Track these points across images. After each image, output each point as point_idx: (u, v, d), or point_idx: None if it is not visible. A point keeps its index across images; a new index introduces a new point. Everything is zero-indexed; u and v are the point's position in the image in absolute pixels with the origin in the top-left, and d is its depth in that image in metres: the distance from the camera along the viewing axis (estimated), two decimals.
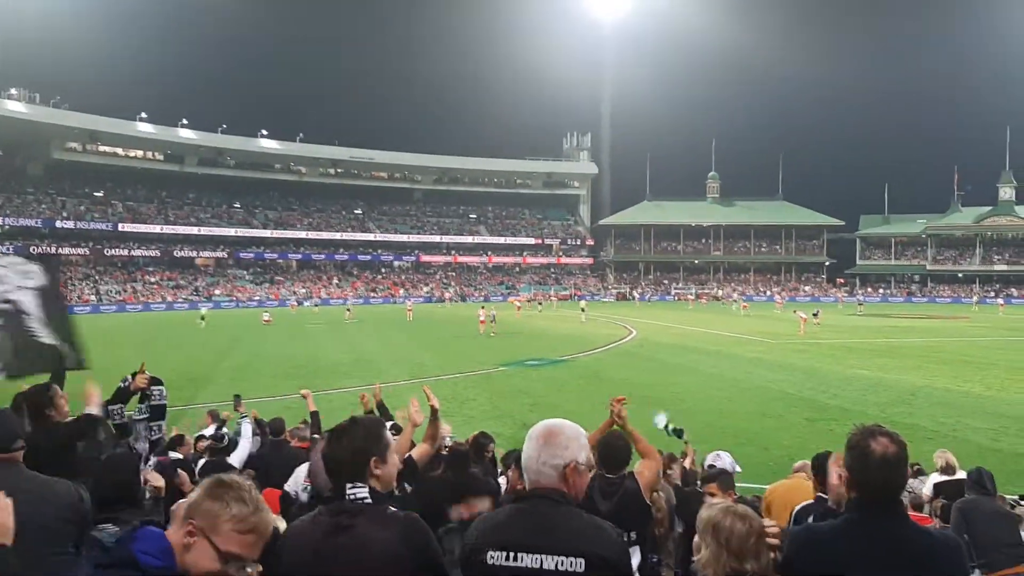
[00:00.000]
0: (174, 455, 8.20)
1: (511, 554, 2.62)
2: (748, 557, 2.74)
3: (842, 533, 2.81)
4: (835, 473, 3.89)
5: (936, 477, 8.87)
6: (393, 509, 2.78)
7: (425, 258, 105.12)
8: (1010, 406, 20.08)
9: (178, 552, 2.19)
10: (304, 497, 5.63)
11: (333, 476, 2.83)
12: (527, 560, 2.59)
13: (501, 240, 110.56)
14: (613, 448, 4.75)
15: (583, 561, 2.56)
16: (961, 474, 8.34)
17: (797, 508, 4.92)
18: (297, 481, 5.89)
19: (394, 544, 2.62)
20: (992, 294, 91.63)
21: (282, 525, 5.15)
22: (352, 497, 2.72)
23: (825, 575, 2.71)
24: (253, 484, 2.36)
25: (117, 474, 4.12)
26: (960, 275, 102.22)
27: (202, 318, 54.49)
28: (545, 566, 2.57)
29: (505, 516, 2.78)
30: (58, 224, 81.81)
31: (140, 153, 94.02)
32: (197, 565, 2.17)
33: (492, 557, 2.64)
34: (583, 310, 61.87)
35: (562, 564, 2.56)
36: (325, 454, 2.89)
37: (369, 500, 2.73)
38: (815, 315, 50.73)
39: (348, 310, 64.27)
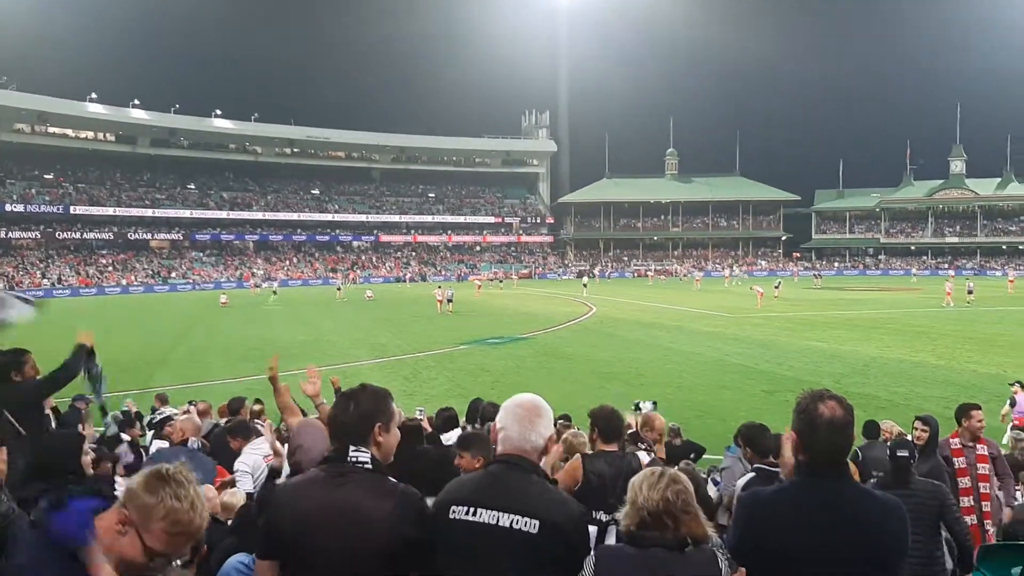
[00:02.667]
0: (124, 437, 8.14)
1: (471, 509, 2.71)
2: (651, 495, 2.75)
3: (788, 497, 2.85)
4: (787, 448, 3.95)
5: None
6: (392, 480, 2.82)
7: (385, 238, 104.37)
8: (960, 375, 20.55)
9: (108, 535, 2.19)
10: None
11: (337, 438, 2.87)
12: (485, 516, 2.69)
13: (461, 219, 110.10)
14: (608, 420, 4.84)
15: (538, 523, 2.64)
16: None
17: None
18: (246, 462, 5.85)
19: (391, 514, 2.66)
20: (945, 266, 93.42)
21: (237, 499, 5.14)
22: (354, 460, 2.76)
23: (772, 539, 2.75)
24: (194, 479, 2.34)
25: (57, 452, 4.12)
26: (913, 248, 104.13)
27: (274, 292, 60.50)
28: (501, 523, 2.66)
29: (474, 477, 2.89)
30: (7, 208, 79.90)
31: (91, 134, 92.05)
32: (124, 554, 2.19)
33: (454, 512, 2.73)
34: (584, 285, 64.06)
35: (517, 523, 2.65)
36: (332, 416, 2.93)
37: (370, 465, 2.76)
38: (776, 287, 51.75)
39: (339, 289, 64.74)
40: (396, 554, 2.63)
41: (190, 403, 12.84)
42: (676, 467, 5.04)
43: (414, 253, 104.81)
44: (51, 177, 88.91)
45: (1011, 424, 13.42)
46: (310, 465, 3.99)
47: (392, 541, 2.62)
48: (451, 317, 41.05)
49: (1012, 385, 14.57)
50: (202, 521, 2.26)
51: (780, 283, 56.15)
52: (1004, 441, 12.32)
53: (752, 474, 5.18)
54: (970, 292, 45.69)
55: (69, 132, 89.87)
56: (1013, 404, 14.01)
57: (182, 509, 2.19)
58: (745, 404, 17.11)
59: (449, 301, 44.88)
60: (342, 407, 2.88)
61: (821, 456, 2.77)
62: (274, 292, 60.67)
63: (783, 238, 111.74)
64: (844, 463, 2.84)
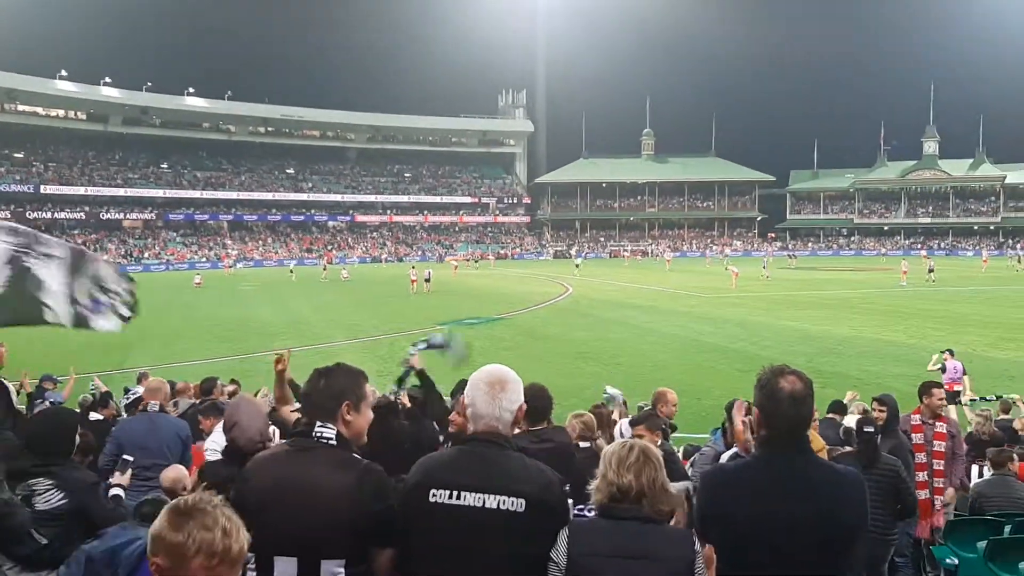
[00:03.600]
0: (95, 416, 8.09)
1: (454, 493, 2.66)
2: (624, 474, 2.76)
3: (751, 470, 2.90)
4: (738, 419, 4.02)
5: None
6: (356, 455, 2.81)
7: (360, 218, 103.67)
8: (930, 354, 20.70)
9: None
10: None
11: (306, 413, 2.89)
12: (470, 499, 2.64)
13: (437, 199, 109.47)
14: (537, 399, 4.78)
15: (524, 502, 2.63)
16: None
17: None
18: (217, 441, 5.81)
19: (352, 488, 2.66)
20: (918, 246, 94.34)
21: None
22: (319, 436, 2.77)
23: (734, 512, 2.78)
24: (218, 503, 2.19)
25: (54, 427, 4.16)
26: (886, 228, 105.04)
27: (291, 271, 62.54)
28: (487, 505, 2.63)
29: (449, 457, 2.83)
30: None
31: (61, 112, 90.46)
32: None
33: (435, 495, 2.67)
34: (577, 266, 65.76)
35: (504, 503, 2.63)
36: (304, 391, 2.94)
37: (334, 442, 2.77)
38: (764, 267, 52.87)
39: (324, 268, 65.09)
40: (358, 529, 2.64)
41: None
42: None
43: (390, 233, 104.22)
44: (21, 156, 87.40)
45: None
46: (247, 444, 4.02)
47: (354, 516, 2.63)
48: (428, 297, 41.01)
49: (943, 353, 15.61)
50: (240, 543, 2.11)
51: (766, 263, 56.92)
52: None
53: (734, 450, 5.22)
54: (930, 271, 46.97)
55: (39, 110, 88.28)
56: (943, 370, 15.00)
57: (215, 539, 2.05)
58: (720, 383, 17.24)
59: (427, 280, 45.07)
60: (313, 382, 2.89)
61: (782, 430, 2.81)
62: (291, 271, 62.66)
63: (758, 218, 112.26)
64: (804, 436, 2.88)
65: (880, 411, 7.22)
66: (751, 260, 68.85)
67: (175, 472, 5.52)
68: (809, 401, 2.82)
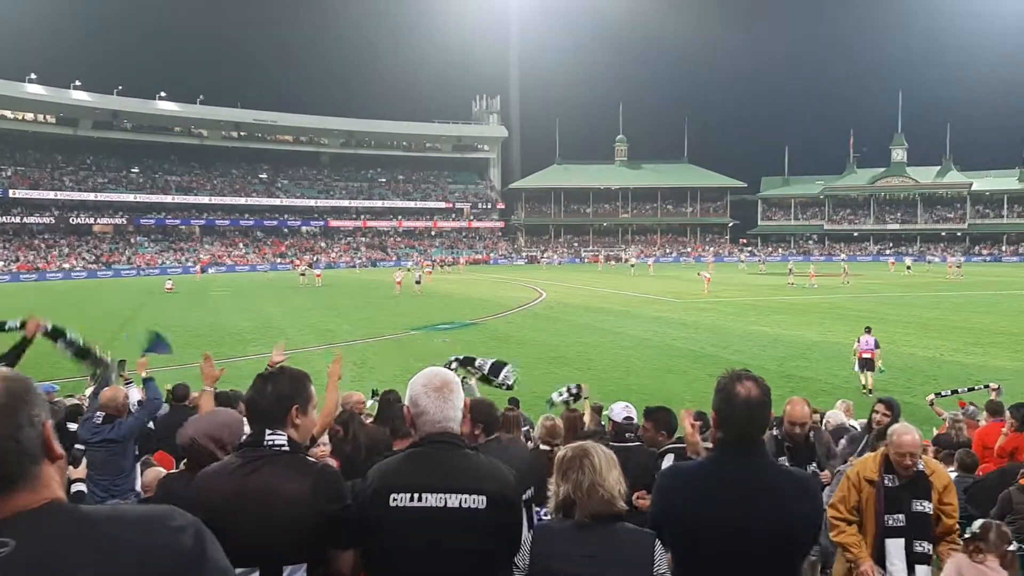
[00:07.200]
0: (73, 426, 8.02)
1: (415, 495, 2.69)
2: (559, 479, 2.90)
3: (706, 471, 3.00)
4: (687, 424, 4.11)
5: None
6: (310, 459, 2.81)
7: (334, 223, 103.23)
8: (898, 358, 21.13)
9: None
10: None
11: (254, 421, 2.85)
12: (432, 500, 2.68)
13: (411, 204, 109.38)
14: (486, 415, 4.87)
15: (484, 499, 2.68)
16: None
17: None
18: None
19: (309, 492, 2.64)
20: (887, 252, 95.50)
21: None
22: (270, 444, 2.74)
23: (688, 512, 2.88)
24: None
25: None
26: (855, 234, 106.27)
27: (302, 274, 60.39)
28: (449, 504, 2.67)
29: (406, 460, 2.82)
30: None
31: (30, 116, 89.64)
32: None
33: (395, 499, 2.70)
34: (632, 265, 70.82)
35: (465, 502, 2.67)
36: (249, 398, 2.89)
37: (287, 448, 2.75)
38: (789, 271, 55.15)
39: (303, 274, 60.76)
40: (317, 532, 2.64)
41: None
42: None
43: (364, 238, 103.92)
44: None
45: (855, 356, 18.01)
46: None
47: (312, 518, 2.62)
48: (402, 304, 40.94)
49: (866, 332, 18.20)
50: None
51: (792, 267, 57.35)
52: (855, 369, 17.77)
53: (672, 455, 5.34)
54: (846, 273, 53.59)
55: (7, 114, 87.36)
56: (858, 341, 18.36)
57: None
58: (690, 388, 17.40)
59: (417, 283, 47.37)
60: (259, 390, 2.86)
61: (735, 433, 2.91)
62: (302, 273, 61.36)
63: (730, 224, 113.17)
64: (759, 441, 2.97)
65: (886, 415, 7.33)
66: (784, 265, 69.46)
67: (154, 473, 5.54)
68: (764, 408, 2.89)
